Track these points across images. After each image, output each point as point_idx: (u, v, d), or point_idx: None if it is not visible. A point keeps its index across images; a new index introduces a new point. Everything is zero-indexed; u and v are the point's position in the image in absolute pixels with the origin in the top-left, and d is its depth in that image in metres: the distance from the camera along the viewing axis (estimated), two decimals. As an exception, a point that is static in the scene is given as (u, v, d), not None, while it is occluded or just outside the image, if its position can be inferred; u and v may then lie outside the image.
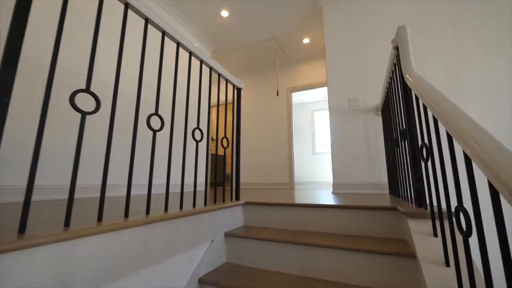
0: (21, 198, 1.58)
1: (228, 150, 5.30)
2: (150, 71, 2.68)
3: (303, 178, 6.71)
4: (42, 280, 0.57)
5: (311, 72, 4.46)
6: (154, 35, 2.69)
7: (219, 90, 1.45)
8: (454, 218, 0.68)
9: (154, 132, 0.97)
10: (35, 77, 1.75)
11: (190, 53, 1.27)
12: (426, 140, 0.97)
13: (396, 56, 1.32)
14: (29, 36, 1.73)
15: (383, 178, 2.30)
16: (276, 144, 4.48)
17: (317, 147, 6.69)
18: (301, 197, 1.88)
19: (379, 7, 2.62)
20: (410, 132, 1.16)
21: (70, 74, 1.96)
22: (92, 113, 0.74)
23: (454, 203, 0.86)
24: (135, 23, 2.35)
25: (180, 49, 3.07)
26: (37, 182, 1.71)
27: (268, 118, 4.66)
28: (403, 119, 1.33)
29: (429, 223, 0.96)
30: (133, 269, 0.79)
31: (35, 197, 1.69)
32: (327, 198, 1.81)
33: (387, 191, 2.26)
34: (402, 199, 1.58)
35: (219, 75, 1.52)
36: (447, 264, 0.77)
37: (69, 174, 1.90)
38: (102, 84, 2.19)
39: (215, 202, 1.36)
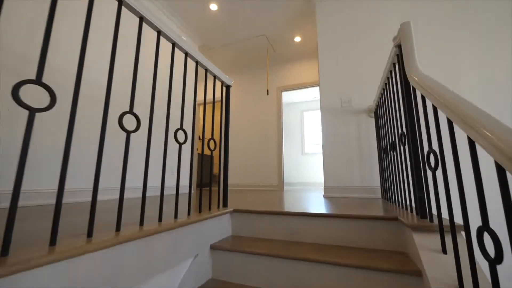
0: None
1: (216, 150, 5.14)
2: (140, 67, 2.48)
3: (292, 178, 6.66)
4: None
5: (302, 71, 4.38)
6: (132, 21, 2.48)
7: (206, 87, 1.32)
8: (476, 240, 0.59)
9: (128, 133, 0.83)
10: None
11: (174, 44, 1.12)
12: (428, 145, 0.89)
13: (397, 55, 1.24)
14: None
15: (375, 181, 2.25)
16: (265, 145, 4.37)
17: (306, 148, 6.66)
18: (291, 202, 1.78)
19: (375, 5, 2.56)
20: (412, 136, 1.08)
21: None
22: (43, 111, 0.58)
23: (473, 219, 0.79)
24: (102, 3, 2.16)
25: (163, 40, 2.88)
26: (-5, 186, 1.50)
27: (258, 118, 4.55)
28: (403, 122, 1.26)
29: (437, 237, 0.88)
30: (96, 301, 0.65)
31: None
32: (318, 203, 1.72)
33: (379, 195, 2.21)
34: (397, 205, 1.51)
35: (206, 70, 1.38)
36: (461, 286, 0.69)
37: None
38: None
39: (200, 211, 1.23)
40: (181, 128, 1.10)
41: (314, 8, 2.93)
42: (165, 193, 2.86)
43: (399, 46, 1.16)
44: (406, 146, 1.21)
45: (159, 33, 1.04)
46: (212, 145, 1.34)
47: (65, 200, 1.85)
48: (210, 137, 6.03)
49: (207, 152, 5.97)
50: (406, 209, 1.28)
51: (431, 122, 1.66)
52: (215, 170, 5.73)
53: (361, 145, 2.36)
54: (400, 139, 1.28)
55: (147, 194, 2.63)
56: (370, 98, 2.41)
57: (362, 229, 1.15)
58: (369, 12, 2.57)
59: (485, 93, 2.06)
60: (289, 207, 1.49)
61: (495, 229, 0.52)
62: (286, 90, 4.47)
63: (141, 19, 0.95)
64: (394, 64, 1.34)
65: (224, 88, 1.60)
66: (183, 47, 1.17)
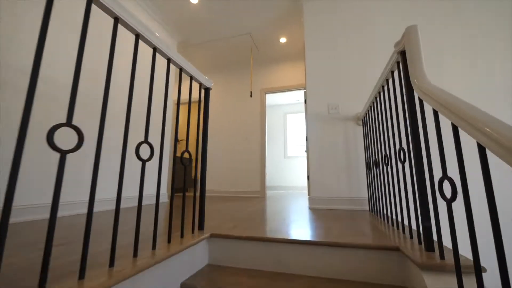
0: None
1: (194, 153, 4.86)
2: (95, 58, 2.17)
3: (274, 182, 6.54)
4: None
5: (287, 73, 4.25)
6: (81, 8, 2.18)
7: (180, 89, 1.11)
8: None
9: (55, 150, 0.60)
10: None
11: (137, 36, 0.90)
12: (443, 171, 0.76)
13: (398, 62, 1.12)
14: None
15: (363, 192, 2.16)
16: (247, 149, 4.19)
17: (289, 151, 6.57)
18: (276, 218, 1.61)
19: (365, 7, 2.48)
20: (416, 154, 0.96)
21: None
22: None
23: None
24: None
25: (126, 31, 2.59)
26: None
27: (240, 120, 4.34)
28: (401, 135, 1.14)
29: (452, 279, 0.75)
30: None
31: None
32: (306, 220, 1.57)
33: (366, 207, 2.12)
34: (386, 221, 1.41)
35: (181, 69, 1.16)
36: None
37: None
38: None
39: (169, 241, 1.01)
40: (146, 141, 0.88)
41: (302, 8, 2.79)
42: (127, 205, 2.58)
43: (401, 53, 1.03)
44: (409, 164, 1.09)
45: (117, 20, 0.81)
46: (187, 156, 1.13)
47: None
48: (186, 142, 5.71)
49: (186, 154, 5.66)
50: (403, 232, 1.17)
51: (445, 142, 1.49)
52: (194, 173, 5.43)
53: (348, 154, 2.26)
54: (398, 155, 1.16)
55: (111, 207, 2.32)
56: (358, 104, 2.32)
57: (359, 260, 1.00)
58: (360, 14, 2.48)
59: (485, 93, 2.04)
60: (275, 227, 1.32)
61: None
62: (270, 93, 4.32)
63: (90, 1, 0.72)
64: (392, 72, 1.22)
65: (203, 91, 1.39)
66: (152, 40, 0.95)
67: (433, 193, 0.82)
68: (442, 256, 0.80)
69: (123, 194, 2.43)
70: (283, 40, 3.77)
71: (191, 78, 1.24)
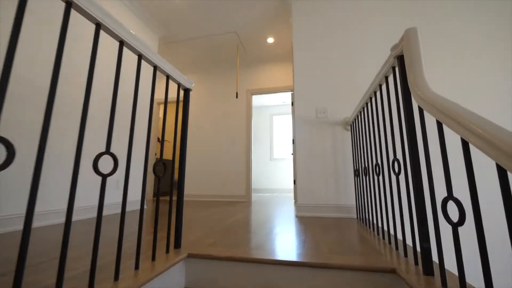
0: None
1: (171, 153, 4.65)
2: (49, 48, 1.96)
3: (260, 185, 6.44)
4: None
5: (275, 74, 4.17)
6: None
7: (154, 89, 0.96)
8: None
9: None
10: None
11: (98, 25, 0.75)
12: (448, 192, 0.69)
13: (394, 67, 1.05)
14: None
15: (350, 200, 2.10)
16: (232, 151, 4.05)
17: (275, 153, 6.51)
18: (259, 227, 1.50)
19: (356, 8, 2.43)
20: (414, 169, 0.88)
21: None
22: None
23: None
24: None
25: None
26: None
27: (225, 122, 4.20)
28: (396, 145, 1.07)
29: (456, 312, 0.67)
30: None
31: None
32: (290, 227, 1.47)
33: (354, 214, 2.07)
34: (375, 231, 1.34)
35: (156, 67, 1.02)
36: None
37: None
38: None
39: (137, 266, 0.87)
40: (108, 151, 0.73)
41: (290, 8, 2.71)
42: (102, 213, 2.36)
43: (399, 57, 0.95)
44: (402, 176, 1.02)
45: (70, 4, 0.66)
46: (160, 172, 0.99)
47: None
48: (157, 159, 5.48)
49: (166, 156, 5.42)
50: (397, 248, 1.10)
51: (452, 160, 1.41)
52: (176, 176, 5.21)
53: (336, 159, 2.19)
54: (392, 166, 1.08)
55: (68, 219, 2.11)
56: (346, 109, 2.27)
57: (348, 281, 0.91)
58: (350, 15, 2.43)
59: (485, 94, 2.04)
60: (259, 242, 1.21)
61: None
62: (257, 94, 4.21)
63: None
64: (386, 78, 1.15)
65: (182, 92, 1.25)
66: (118, 33, 0.80)
67: (435, 213, 0.75)
68: (444, 283, 0.72)
69: (84, 204, 2.21)
70: (270, 40, 3.67)
71: (168, 77, 1.10)
